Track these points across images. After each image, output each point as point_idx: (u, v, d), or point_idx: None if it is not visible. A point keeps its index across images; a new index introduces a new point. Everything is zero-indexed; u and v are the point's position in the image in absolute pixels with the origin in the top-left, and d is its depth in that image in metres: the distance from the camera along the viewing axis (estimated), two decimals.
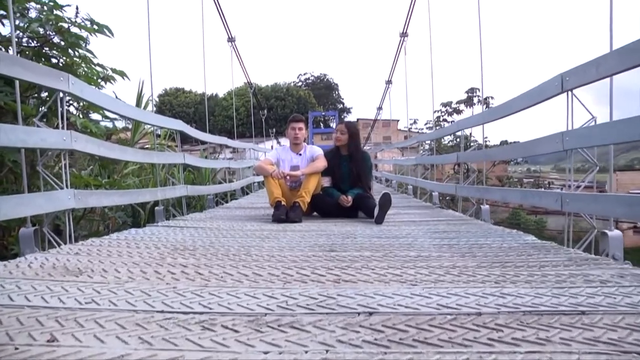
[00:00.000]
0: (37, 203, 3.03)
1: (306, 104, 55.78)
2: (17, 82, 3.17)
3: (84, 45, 5.59)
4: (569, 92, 3.34)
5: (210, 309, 1.67)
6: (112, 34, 5.24)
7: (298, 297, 1.81)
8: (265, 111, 21.48)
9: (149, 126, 7.49)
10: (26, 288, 1.92)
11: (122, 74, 5.75)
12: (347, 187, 5.31)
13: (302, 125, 5.50)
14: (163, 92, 61.11)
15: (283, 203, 4.93)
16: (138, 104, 7.87)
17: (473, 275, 2.19)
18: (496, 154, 5.12)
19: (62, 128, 3.36)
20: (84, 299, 1.77)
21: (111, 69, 5.69)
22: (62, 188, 3.36)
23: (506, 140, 27.80)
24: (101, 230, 5.88)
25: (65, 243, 3.34)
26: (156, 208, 5.47)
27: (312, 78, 70.92)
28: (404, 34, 11.49)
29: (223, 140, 9.15)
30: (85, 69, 5.32)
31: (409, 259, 2.68)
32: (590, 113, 3.26)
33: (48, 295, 1.82)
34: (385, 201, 4.63)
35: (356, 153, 5.36)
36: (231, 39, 11.47)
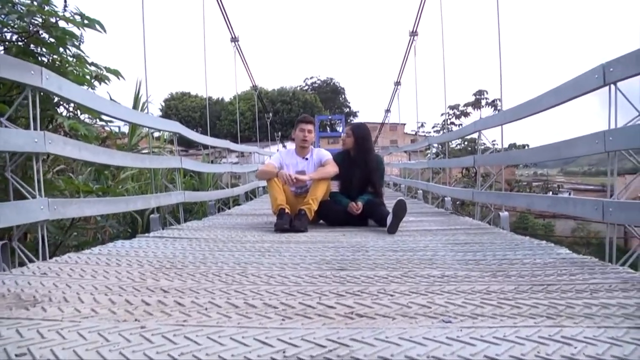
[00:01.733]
0: (1, 214, 2.62)
1: (312, 107, 55.42)
2: None
3: (78, 43, 5.27)
4: (612, 85, 2.91)
5: None
6: (104, 30, 4.86)
7: (300, 343, 1.38)
8: (271, 114, 21.07)
9: (146, 129, 7.15)
10: None
11: (116, 73, 5.37)
12: (357, 193, 4.89)
13: (311, 127, 5.05)
14: (169, 96, 61.11)
15: (287, 211, 4.52)
16: (135, 106, 7.48)
17: (517, 306, 1.76)
18: (521, 157, 4.61)
19: (35, 129, 2.96)
20: (17, 349, 1.33)
21: (105, 67, 5.32)
22: (35, 197, 2.95)
23: (514, 144, 27.33)
24: (92, 240, 5.48)
25: (41, 259, 2.94)
26: (151, 216, 5.08)
27: (319, 82, 70.64)
28: (413, 33, 11.06)
29: (225, 143, 8.74)
30: (77, 69, 4.97)
31: (433, 280, 2.26)
32: (637, 110, 2.82)
33: None
34: (400, 209, 4.21)
35: (367, 156, 4.95)
36: (234, 39, 11.11)
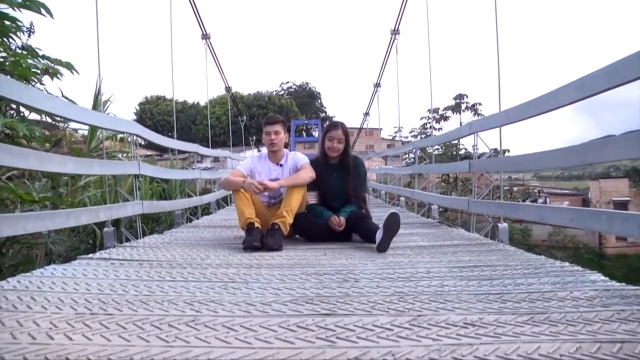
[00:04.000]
0: None
1: (288, 112, 55.17)
2: None
3: (27, 32, 4.74)
4: None
5: None
6: (51, 14, 4.30)
7: None
8: (245, 117, 20.30)
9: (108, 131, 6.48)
10: None
11: (69, 67, 4.76)
12: (339, 204, 4.26)
13: (278, 127, 4.30)
14: (144, 100, 60.32)
15: (257, 225, 3.86)
16: (95, 106, 6.76)
17: None
18: (531, 162, 3.88)
19: None
20: None
21: (55, 60, 4.68)
22: None
23: (495, 149, 26.94)
24: (34, 258, 4.76)
25: None
26: (105, 230, 4.38)
27: (295, 87, 70.38)
28: (395, 31, 10.44)
29: (194, 147, 7.97)
30: (20, 60, 4.35)
31: (456, 332, 1.63)
32: None
33: None
34: (394, 223, 3.56)
35: (348, 160, 4.33)
36: (206, 36, 10.39)
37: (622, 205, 29.71)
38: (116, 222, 4.75)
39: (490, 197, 5.44)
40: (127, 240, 4.65)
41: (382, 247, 3.58)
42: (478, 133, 4.94)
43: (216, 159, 15.06)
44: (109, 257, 3.46)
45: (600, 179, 36.01)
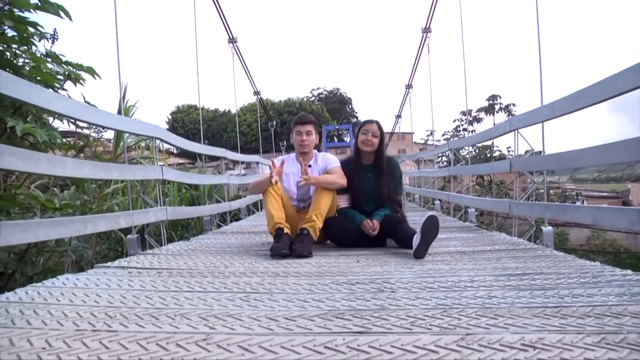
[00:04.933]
0: None
1: (319, 118, 55.19)
2: None
3: (50, 39, 4.64)
4: None
5: None
6: (70, 17, 4.14)
7: None
8: (275, 122, 20.15)
9: (134, 137, 6.38)
10: None
11: (91, 72, 4.58)
12: (372, 207, 3.98)
13: (310, 128, 4.09)
14: (175, 109, 60.96)
15: (286, 231, 3.62)
16: (119, 111, 6.64)
17: None
18: (583, 158, 3.46)
19: None
20: None
21: (77, 65, 4.53)
22: None
23: (532, 150, 26.34)
24: (60, 267, 4.63)
25: None
26: (128, 237, 4.22)
27: (325, 92, 70.28)
28: (426, 29, 10.12)
29: (221, 152, 7.76)
30: (42, 65, 4.22)
31: (514, 355, 1.37)
32: None
33: None
34: (432, 227, 3.29)
35: (382, 161, 4.05)
36: (232, 40, 10.24)
37: None
38: (142, 229, 4.59)
39: (531, 199, 5.10)
40: (152, 247, 4.46)
41: (420, 253, 3.31)
42: (519, 130, 4.60)
43: (248, 166, 14.90)
44: (127, 265, 3.26)
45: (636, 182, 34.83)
